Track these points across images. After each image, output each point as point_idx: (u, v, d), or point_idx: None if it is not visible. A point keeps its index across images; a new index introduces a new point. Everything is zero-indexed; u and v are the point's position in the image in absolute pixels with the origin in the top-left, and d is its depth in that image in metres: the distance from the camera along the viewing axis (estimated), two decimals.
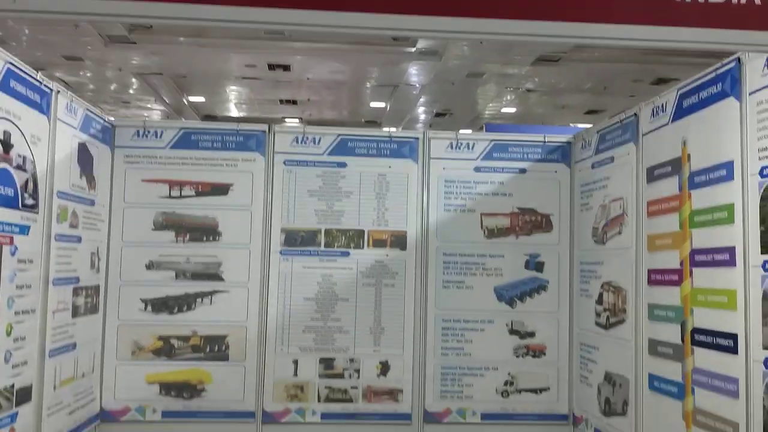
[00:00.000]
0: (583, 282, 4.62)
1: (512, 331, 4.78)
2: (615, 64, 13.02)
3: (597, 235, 4.43)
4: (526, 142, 4.94)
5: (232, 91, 16.21)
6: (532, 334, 4.79)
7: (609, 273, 4.25)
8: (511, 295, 4.79)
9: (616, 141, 4.25)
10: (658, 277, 3.62)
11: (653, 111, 3.80)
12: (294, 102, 17.03)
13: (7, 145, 3.26)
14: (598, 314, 4.35)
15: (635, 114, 4.01)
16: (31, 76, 3.52)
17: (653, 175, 3.74)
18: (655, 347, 3.61)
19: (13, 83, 3.33)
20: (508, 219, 4.84)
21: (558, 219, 4.85)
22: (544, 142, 4.93)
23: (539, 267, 4.82)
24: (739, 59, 3.05)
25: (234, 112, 18.18)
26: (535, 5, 2.03)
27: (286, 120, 18.78)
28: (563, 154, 4.92)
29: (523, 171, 4.89)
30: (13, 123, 3.32)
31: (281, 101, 16.95)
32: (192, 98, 16.75)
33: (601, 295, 4.32)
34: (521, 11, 2.02)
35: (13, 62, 3.33)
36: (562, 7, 2.04)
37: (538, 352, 4.78)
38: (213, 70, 14.20)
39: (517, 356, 4.78)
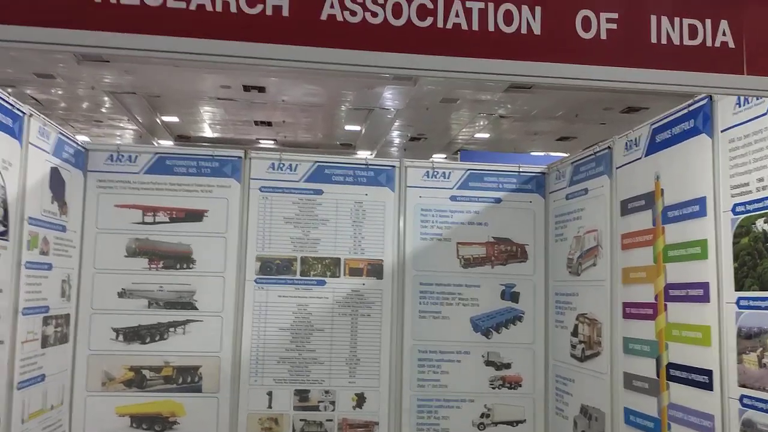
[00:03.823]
0: (558, 313, 4.64)
1: (488, 362, 4.78)
2: (586, 93, 13.27)
3: (572, 266, 4.46)
4: (501, 172, 4.97)
5: (207, 112, 16.16)
6: (508, 366, 4.79)
7: (584, 305, 4.27)
8: (487, 325, 4.79)
9: (590, 173, 4.30)
10: (633, 311, 3.65)
11: (626, 144, 3.86)
12: (269, 123, 17.03)
13: None
14: (573, 346, 4.37)
15: (609, 147, 4.06)
16: (2, 99, 3.45)
17: (627, 208, 3.79)
18: (630, 381, 3.63)
19: None
20: (483, 248, 4.86)
21: (533, 249, 4.88)
22: (519, 172, 4.98)
23: (515, 297, 4.83)
24: (710, 97, 3.11)
25: (208, 133, 18.10)
26: (510, 45, 2.03)
27: (261, 141, 18.75)
28: (538, 184, 4.96)
29: (498, 200, 4.92)
30: None
31: (256, 122, 16.94)
32: (165, 118, 16.65)
33: (576, 327, 4.34)
34: (496, 51, 2.01)
35: None
36: (539, 48, 2.04)
37: (514, 384, 4.78)
38: (187, 90, 14.15)
39: (494, 388, 4.77)
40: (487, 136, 17.29)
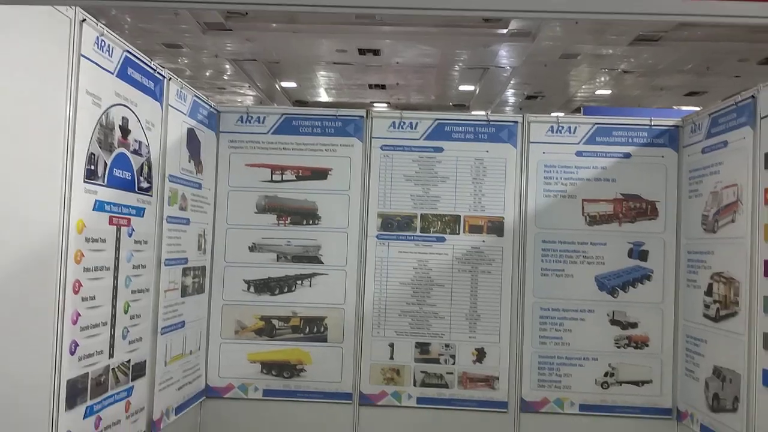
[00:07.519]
0: (691, 272, 4.43)
1: (613, 321, 4.65)
2: (720, 43, 12.38)
3: (707, 223, 4.23)
4: (631, 126, 4.76)
5: (323, 77, 16.45)
6: (634, 325, 4.64)
7: (720, 263, 4.05)
8: (613, 284, 4.66)
9: (730, 125, 4.03)
10: None
11: None
12: (383, 87, 17.11)
13: (125, 131, 3.42)
14: (706, 306, 4.17)
15: (753, 96, 3.78)
16: (145, 63, 3.65)
17: None
18: None
19: (130, 71, 3.47)
20: (611, 205, 4.70)
21: (664, 206, 4.67)
22: (650, 125, 4.74)
23: (643, 256, 4.65)
24: None
25: (324, 97, 18.46)
26: None
27: (375, 104, 18.91)
28: (671, 138, 4.72)
29: (627, 156, 4.72)
30: (130, 109, 3.47)
31: (370, 86, 17.07)
32: (284, 83, 17.11)
33: (710, 286, 4.13)
34: None
35: (131, 50, 3.45)
36: None
37: (640, 344, 4.63)
38: (305, 56, 14.45)
39: (619, 347, 4.65)
40: (608, 92, 16.56)
